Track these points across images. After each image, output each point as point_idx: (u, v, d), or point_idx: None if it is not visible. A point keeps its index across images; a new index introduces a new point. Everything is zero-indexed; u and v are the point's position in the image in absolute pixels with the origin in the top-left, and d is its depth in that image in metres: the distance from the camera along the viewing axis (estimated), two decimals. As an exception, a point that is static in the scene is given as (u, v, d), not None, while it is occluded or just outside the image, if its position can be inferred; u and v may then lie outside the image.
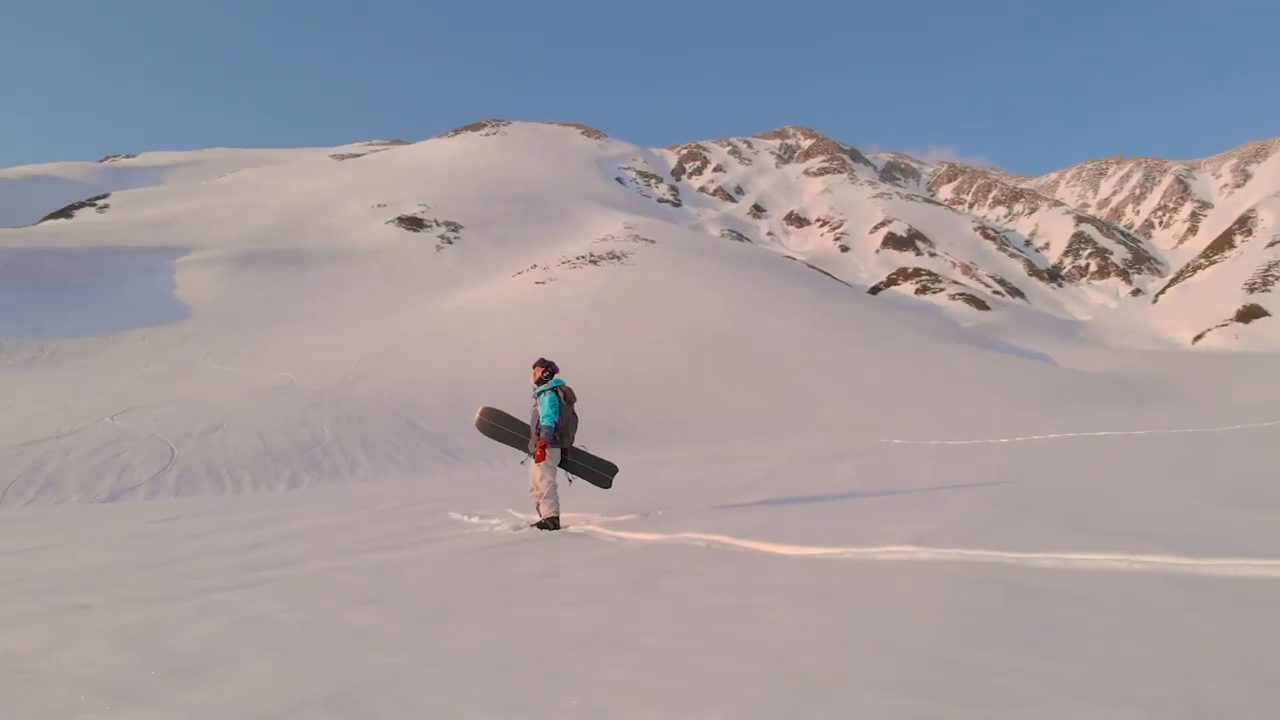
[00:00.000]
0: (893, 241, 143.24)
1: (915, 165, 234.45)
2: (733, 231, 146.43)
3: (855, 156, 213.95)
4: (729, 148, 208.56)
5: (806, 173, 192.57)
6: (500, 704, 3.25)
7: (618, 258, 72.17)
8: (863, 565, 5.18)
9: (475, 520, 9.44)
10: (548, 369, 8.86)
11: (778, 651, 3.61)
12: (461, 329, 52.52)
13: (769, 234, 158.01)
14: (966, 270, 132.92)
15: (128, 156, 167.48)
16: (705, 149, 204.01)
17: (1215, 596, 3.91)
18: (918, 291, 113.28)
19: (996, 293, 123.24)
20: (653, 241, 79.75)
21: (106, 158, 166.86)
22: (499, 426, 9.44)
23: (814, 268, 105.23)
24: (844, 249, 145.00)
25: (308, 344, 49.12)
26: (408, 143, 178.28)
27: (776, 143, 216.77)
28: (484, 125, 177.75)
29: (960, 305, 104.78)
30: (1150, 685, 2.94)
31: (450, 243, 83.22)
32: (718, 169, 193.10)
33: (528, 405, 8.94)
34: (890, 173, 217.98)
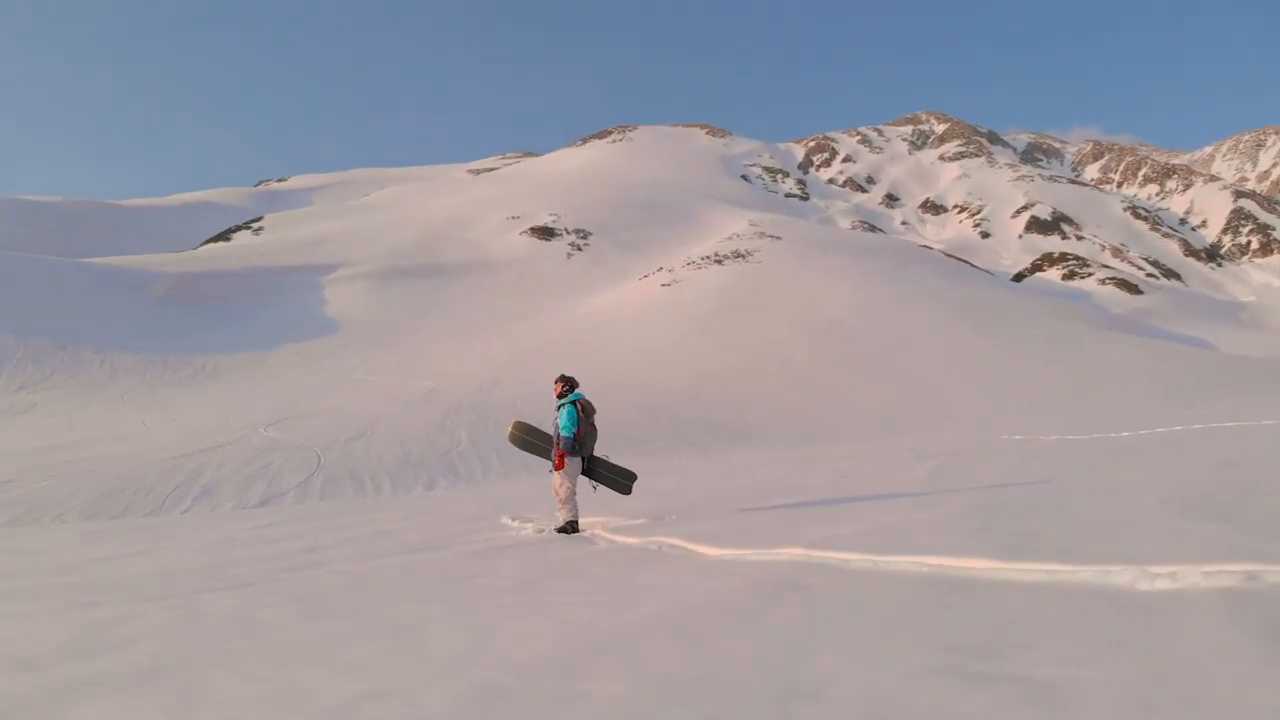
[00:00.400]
0: (1036, 226, 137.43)
1: (1058, 145, 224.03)
2: (864, 223, 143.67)
3: (993, 139, 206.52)
4: (858, 137, 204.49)
5: (941, 158, 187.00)
6: (250, 675, 3.93)
7: (742, 256, 72.18)
8: (739, 565, 5.81)
9: (515, 524, 10.11)
10: (568, 384, 9.37)
11: (495, 641, 4.22)
12: (590, 334, 53.74)
13: (903, 223, 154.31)
14: (1117, 253, 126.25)
15: (279, 180, 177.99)
16: (833, 140, 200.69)
17: (924, 597, 4.23)
18: (1065, 277, 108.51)
19: (1150, 275, 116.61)
20: (778, 238, 79.38)
21: (260, 182, 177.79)
22: (527, 439, 10.07)
23: (952, 257, 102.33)
24: (984, 235, 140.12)
25: (448, 353, 51.35)
26: (539, 154, 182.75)
27: (908, 129, 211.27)
28: (611, 132, 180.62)
29: (1111, 290, 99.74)
30: (666, 665, 3.51)
31: (580, 250, 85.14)
32: (847, 159, 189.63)
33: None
34: (1031, 154, 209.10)
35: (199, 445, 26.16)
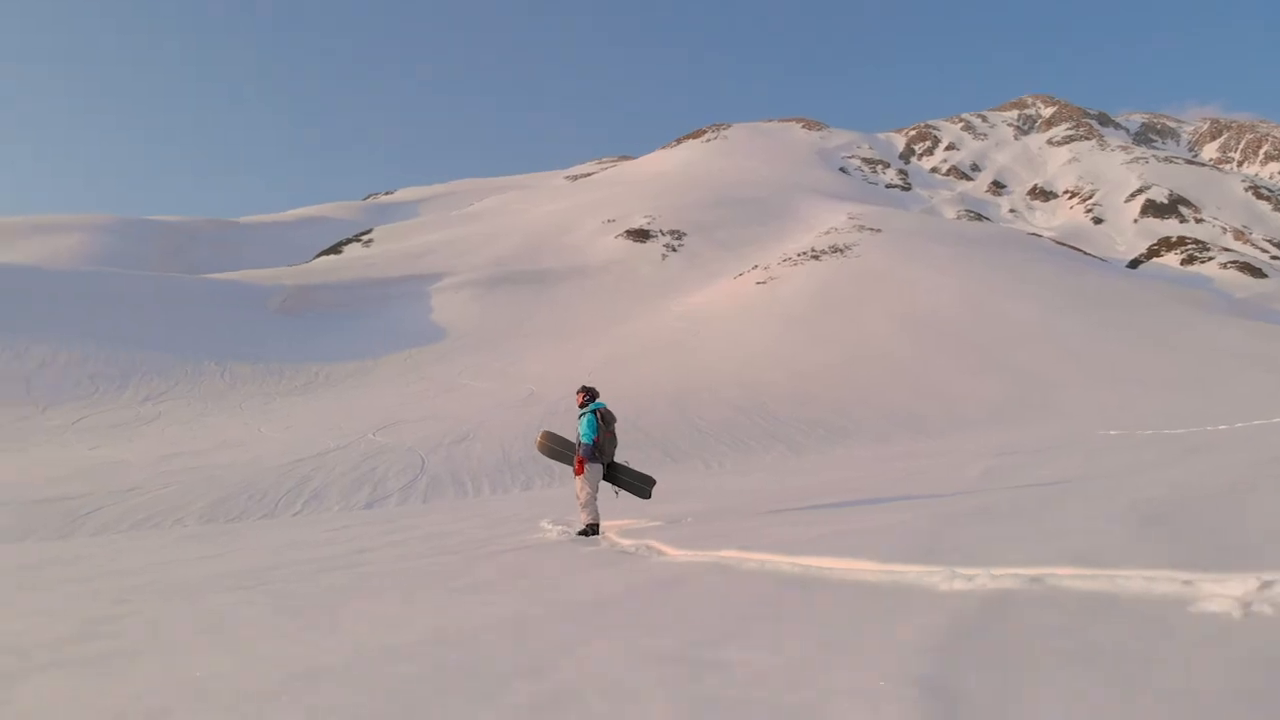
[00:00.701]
0: (1152, 209, 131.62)
1: (1173, 125, 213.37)
2: (970, 211, 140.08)
3: (1104, 121, 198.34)
4: (961, 124, 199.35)
5: (1049, 142, 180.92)
6: (170, 661, 4.69)
7: (840, 250, 71.24)
8: (669, 565, 6.52)
9: (549, 527, 10.62)
10: (588, 394, 9.91)
11: (376, 633, 4.95)
12: (685, 334, 53.85)
13: (1011, 211, 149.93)
14: (1239, 235, 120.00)
15: (387, 193, 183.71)
16: (935, 128, 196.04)
17: (758, 594, 4.92)
18: (1183, 262, 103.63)
19: (1275, 258, 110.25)
20: (878, 230, 78.08)
21: (369, 196, 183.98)
22: (555, 448, 10.55)
23: (1062, 244, 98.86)
24: (1097, 221, 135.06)
25: (547, 356, 52.24)
26: (634, 157, 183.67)
27: (1014, 114, 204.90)
28: (705, 131, 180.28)
29: (1233, 274, 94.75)
30: (472, 652, 4.22)
31: (675, 250, 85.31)
32: (950, 147, 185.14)
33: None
34: (1145, 135, 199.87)
35: (311, 451, 27.35)
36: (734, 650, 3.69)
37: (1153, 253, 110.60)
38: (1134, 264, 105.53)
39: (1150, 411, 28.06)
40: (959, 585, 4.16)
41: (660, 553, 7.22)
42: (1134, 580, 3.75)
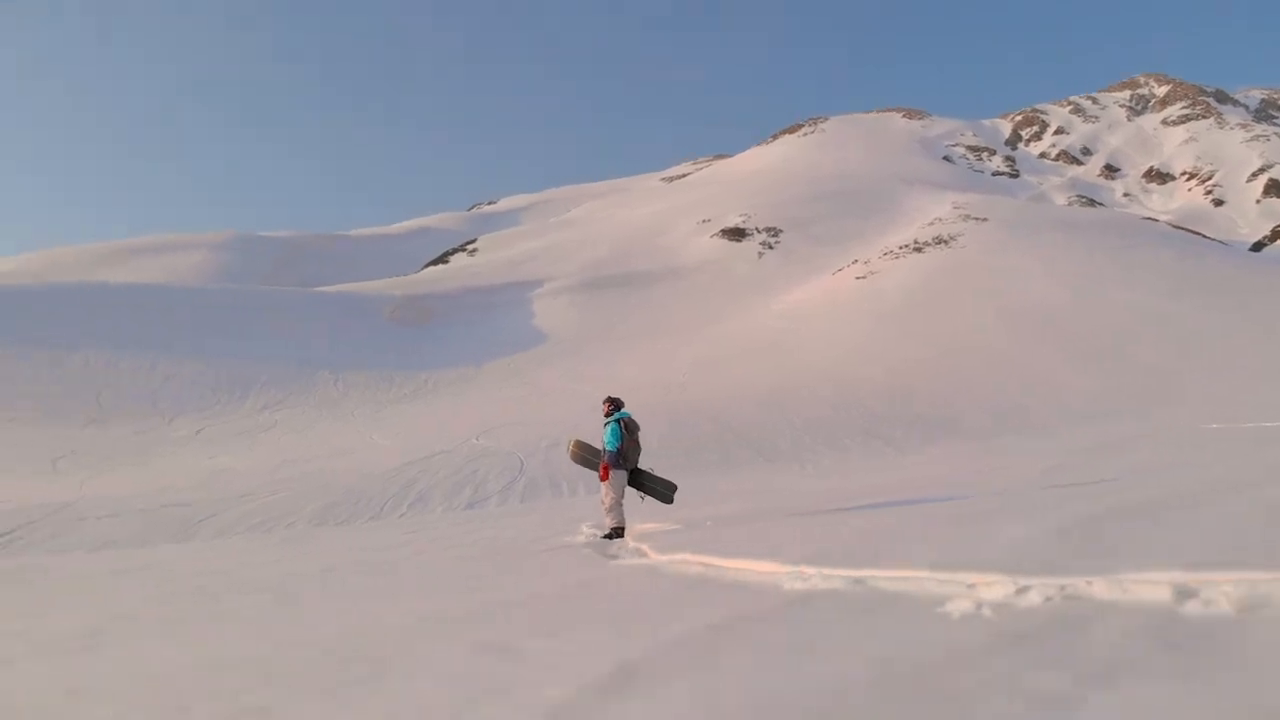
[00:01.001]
0: (1275, 189, 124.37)
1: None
2: (1082, 197, 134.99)
3: (1221, 98, 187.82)
4: (1070, 107, 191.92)
5: (1164, 123, 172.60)
6: (131, 651, 5.22)
7: (944, 241, 69.51)
8: (628, 568, 6.95)
9: (583, 530, 10.98)
10: (613, 404, 10.29)
11: (326, 625, 5.49)
12: (781, 333, 53.45)
13: (1125, 195, 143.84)
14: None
15: (489, 203, 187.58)
16: (1042, 112, 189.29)
17: (637, 590, 5.46)
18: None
19: None
20: (984, 219, 75.86)
21: (473, 206, 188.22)
22: (584, 455, 10.97)
23: (1179, 228, 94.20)
24: (1217, 203, 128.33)
25: (642, 359, 52.60)
26: (730, 155, 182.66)
27: (1126, 94, 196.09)
28: (801, 126, 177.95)
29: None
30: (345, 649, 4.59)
31: (771, 248, 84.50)
32: (1059, 131, 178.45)
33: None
34: (1265, 111, 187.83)
35: (417, 455, 28.28)
36: (543, 641, 4.12)
37: (1277, 234, 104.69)
38: (1257, 247, 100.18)
39: (1264, 402, 26.64)
40: (797, 585, 4.52)
41: (644, 555, 7.60)
42: (928, 582, 3.95)
